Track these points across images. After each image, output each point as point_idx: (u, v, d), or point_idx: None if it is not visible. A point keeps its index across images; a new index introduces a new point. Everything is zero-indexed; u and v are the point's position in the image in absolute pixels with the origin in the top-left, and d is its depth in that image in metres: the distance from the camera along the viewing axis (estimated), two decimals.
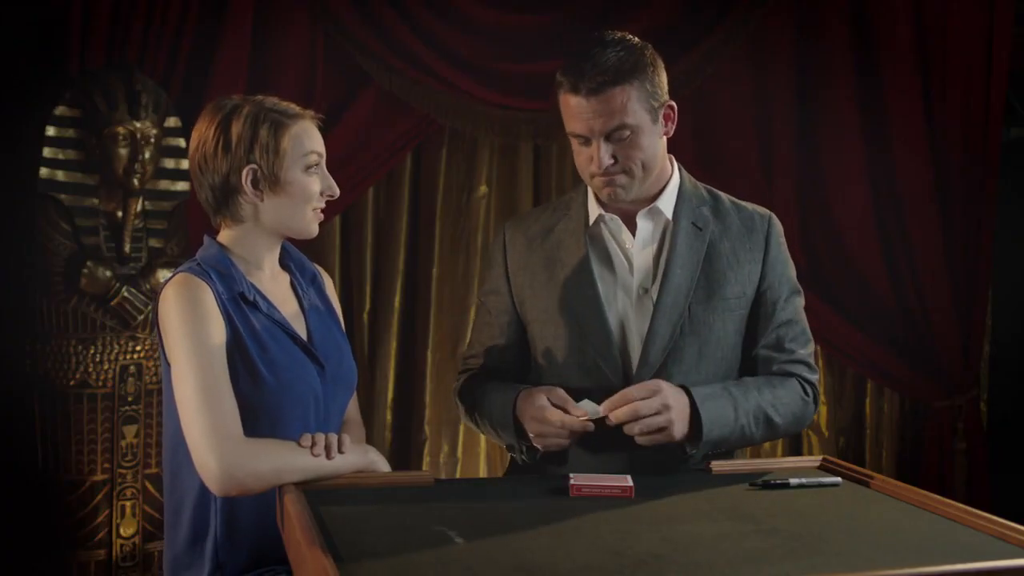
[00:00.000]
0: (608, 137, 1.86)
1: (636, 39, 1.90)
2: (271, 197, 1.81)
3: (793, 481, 1.77)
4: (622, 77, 1.82)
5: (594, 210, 1.98)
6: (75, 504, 2.98)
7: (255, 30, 3.43)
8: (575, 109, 1.86)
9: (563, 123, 1.92)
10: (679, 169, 2.02)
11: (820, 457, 1.93)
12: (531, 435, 1.86)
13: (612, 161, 1.87)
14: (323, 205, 1.87)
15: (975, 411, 3.98)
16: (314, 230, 1.87)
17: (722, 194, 2.05)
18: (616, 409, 1.78)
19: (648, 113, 1.87)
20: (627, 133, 1.85)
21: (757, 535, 1.48)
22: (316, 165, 1.84)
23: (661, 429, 1.78)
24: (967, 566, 1.34)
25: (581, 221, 1.99)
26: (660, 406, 1.78)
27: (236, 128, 1.79)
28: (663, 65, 1.93)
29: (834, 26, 3.83)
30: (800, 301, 2.03)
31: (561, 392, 1.84)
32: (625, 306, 1.94)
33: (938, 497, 1.65)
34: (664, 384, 1.81)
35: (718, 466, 1.88)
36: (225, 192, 1.81)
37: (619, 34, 1.89)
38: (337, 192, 1.87)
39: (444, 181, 3.84)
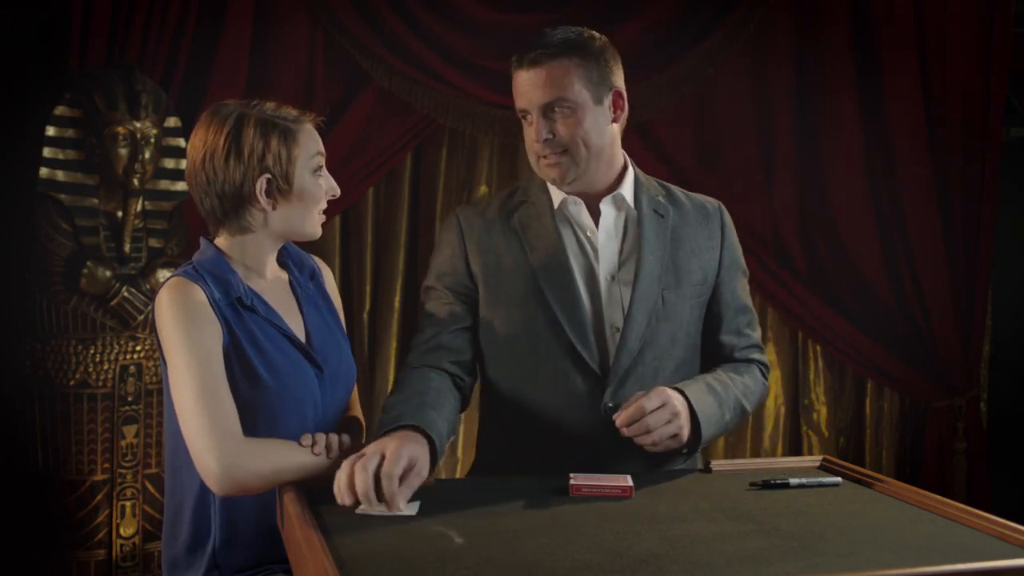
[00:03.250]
0: (546, 112, 1.89)
1: (593, 31, 1.96)
2: (283, 204, 1.82)
3: (793, 481, 1.77)
4: (562, 52, 1.88)
5: (558, 195, 1.98)
6: (75, 504, 2.98)
7: (255, 30, 3.43)
8: (519, 84, 1.91)
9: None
10: (632, 163, 2.05)
11: (820, 457, 1.94)
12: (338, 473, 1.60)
13: (550, 136, 1.89)
14: (326, 205, 1.88)
15: (975, 411, 3.98)
16: (319, 231, 1.89)
17: (673, 186, 2.10)
18: (631, 423, 1.77)
19: (590, 92, 1.90)
20: (566, 107, 1.88)
21: (757, 535, 1.48)
22: (321, 167, 1.85)
23: (673, 436, 1.80)
24: (967, 566, 1.34)
25: (546, 205, 1.99)
26: (670, 415, 1.79)
27: (247, 138, 1.77)
28: (617, 57, 1.97)
29: (834, 26, 3.83)
30: (747, 285, 2.11)
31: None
32: (595, 291, 1.94)
33: (938, 497, 1.65)
34: (670, 392, 1.81)
35: (718, 466, 1.88)
36: (237, 202, 1.80)
37: (576, 27, 1.96)
38: (339, 191, 1.88)
39: (444, 181, 3.84)
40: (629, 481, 1.70)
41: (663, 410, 1.78)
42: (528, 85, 1.89)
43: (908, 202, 3.84)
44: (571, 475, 1.72)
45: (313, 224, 1.86)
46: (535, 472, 1.85)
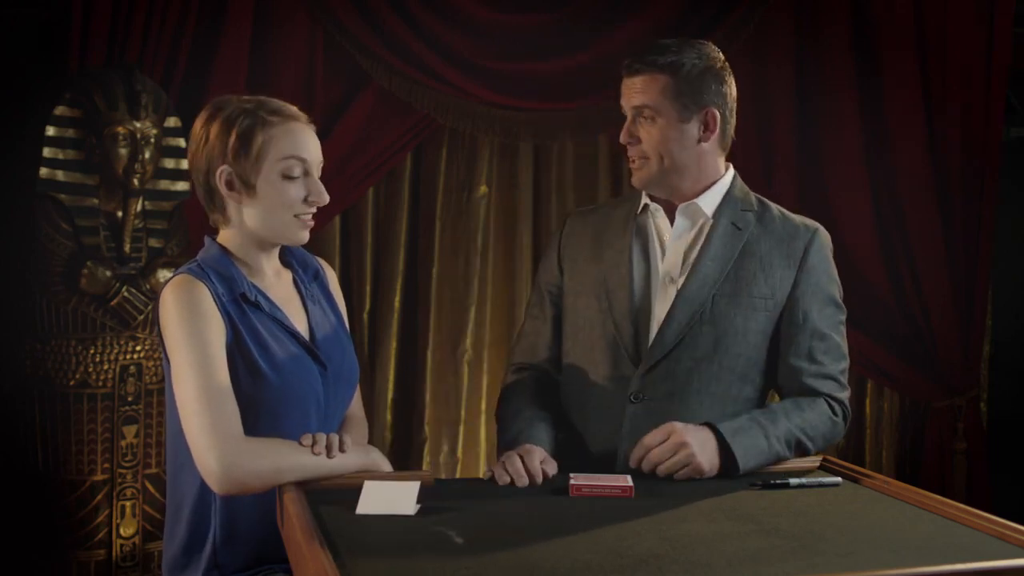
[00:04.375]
0: (635, 116, 2.01)
1: (711, 48, 2.06)
2: (248, 201, 1.80)
3: (793, 481, 1.77)
4: (659, 68, 1.99)
5: (643, 199, 2.09)
6: (75, 504, 2.98)
7: (255, 30, 3.43)
8: (622, 88, 2.04)
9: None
10: (735, 176, 2.11)
11: (820, 457, 1.94)
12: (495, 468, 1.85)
13: (631, 139, 2.02)
14: (310, 211, 1.82)
15: (975, 411, 3.97)
16: (300, 237, 1.83)
17: (774, 205, 2.11)
18: (639, 462, 1.83)
19: (676, 109, 1.99)
20: (648, 115, 1.99)
21: (757, 535, 1.48)
22: (295, 171, 1.78)
23: (685, 465, 1.81)
24: (967, 566, 1.34)
25: (633, 209, 2.11)
26: (675, 445, 1.81)
27: (215, 128, 1.78)
28: (723, 78, 2.06)
29: (834, 26, 3.83)
30: (838, 316, 2.06)
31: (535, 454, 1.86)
32: (651, 290, 2.02)
33: (938, 497, 1.65)
34: (677, 425, 1.84)
35: None
36: (209, 192, 1.82)
37: (701, 41, 2.06)
38: (324, 200, 1.82)
39: (444, 181, 3.83)
40: (629, 481, 1.70)
41: (668, 443, 1.81)
42: (627, 90, 2.03)
43: (908, 202, 3.84)
44: (571, 475, 1.73)
45: (287, 227, 1.81)
46: (579, 454, 1.97)
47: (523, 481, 1.78)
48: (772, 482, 1.77)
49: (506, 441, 1.98)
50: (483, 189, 3.87)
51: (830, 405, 1.99)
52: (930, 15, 3.80)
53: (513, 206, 3.91)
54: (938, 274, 3.84)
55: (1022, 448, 4.12)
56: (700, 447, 1.81)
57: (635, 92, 2.00)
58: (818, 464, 1.92)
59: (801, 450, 1.94)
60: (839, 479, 1.81)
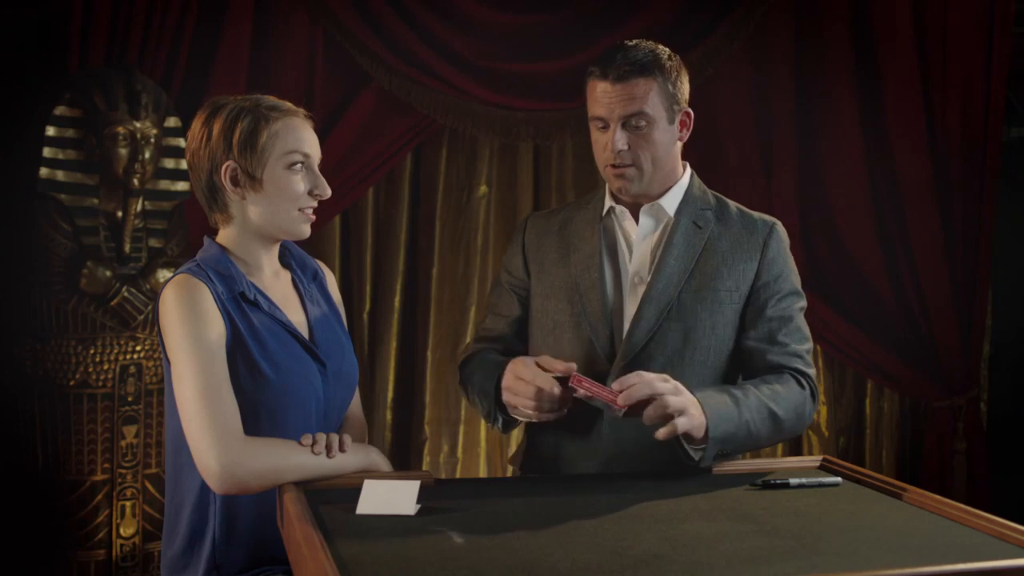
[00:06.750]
0: (625, 124, 1.96)
1: (668, 51, 2.03)
2: (253, 195, 1.80)
3: (793, 481, 1.77)
4: (648, 70, 1.95)
5: (608, 202, 2.08)
6: (75, 504, 2.98)
7: (255, 30, 3.43)
8: (600, 94, 1.97)
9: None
10: (692, 175, 2.10)
11: (820, 457, 1.94)
12: (503, 396, 1.90)
13: (626, 147, 1.96)
14: (312, 205, 1.84)
15: (975, 411, 3.98)
16: (303, 231, 1.85)
17: (731, 202, 2.12)
18: (629, 388, 1.73)
19: (666, 111, 1.98)
20: (643, 123, 1.96)
21: (757, 535, 1.48)
22: (299, 164, 1.81)
23: (680, 412, 1.73)
24: (967, 566, 1.34)
25: (598, 212, 2.10)
26: (675, 387, 1.76)
27: (217, 126, 1.79)
28: (686, 75, 2.06)
29: (834, 26, 3.83)
30: (799, 304, 2.05)
31: (546, 357, 1.87)
32: (622, 292, 2.02)
33: (939, 497, 1.65)
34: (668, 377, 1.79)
35: (718, 466, 1.88)
36: (212, 190, 1.82)
37: (649, 42, 2.03)
38: (327, 192, 1.84)
39: (444, 181, 3.84)
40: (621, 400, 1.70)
41: (668, 382, 1.76)
42: (609, 97, 1.95)
43: (908, 202, 3.84)
44: (573, 375, 1.75)
45: (291, 221, 1.82)
46: (551, 458, 1.97)
47: (540, 382, 1.80)
48: (772, 482, 1.77)
49: (481, 379, 1.99)
50: (483, 189, 3.88)
51: (796, 379, 1.97)
52: (930, 15, 3.80)
53: (513, 206, 3.91)
54: (938, 274, 3.84)
55: (1022, 448, 4.12)
56: (692, 403, 1.77)
57: (624, 99, 1.93)
58: (818, 464, 1.92)
59: (775, 421, 1.89)
60: (839, 479, 1.81)
